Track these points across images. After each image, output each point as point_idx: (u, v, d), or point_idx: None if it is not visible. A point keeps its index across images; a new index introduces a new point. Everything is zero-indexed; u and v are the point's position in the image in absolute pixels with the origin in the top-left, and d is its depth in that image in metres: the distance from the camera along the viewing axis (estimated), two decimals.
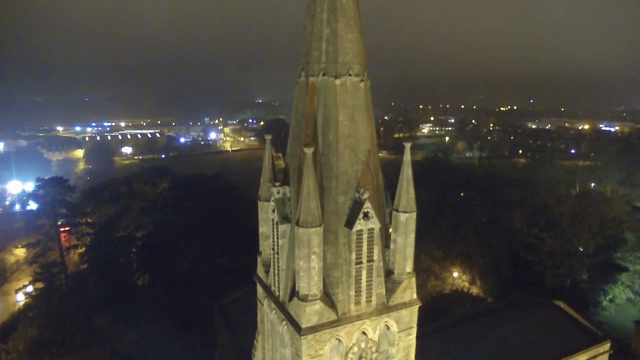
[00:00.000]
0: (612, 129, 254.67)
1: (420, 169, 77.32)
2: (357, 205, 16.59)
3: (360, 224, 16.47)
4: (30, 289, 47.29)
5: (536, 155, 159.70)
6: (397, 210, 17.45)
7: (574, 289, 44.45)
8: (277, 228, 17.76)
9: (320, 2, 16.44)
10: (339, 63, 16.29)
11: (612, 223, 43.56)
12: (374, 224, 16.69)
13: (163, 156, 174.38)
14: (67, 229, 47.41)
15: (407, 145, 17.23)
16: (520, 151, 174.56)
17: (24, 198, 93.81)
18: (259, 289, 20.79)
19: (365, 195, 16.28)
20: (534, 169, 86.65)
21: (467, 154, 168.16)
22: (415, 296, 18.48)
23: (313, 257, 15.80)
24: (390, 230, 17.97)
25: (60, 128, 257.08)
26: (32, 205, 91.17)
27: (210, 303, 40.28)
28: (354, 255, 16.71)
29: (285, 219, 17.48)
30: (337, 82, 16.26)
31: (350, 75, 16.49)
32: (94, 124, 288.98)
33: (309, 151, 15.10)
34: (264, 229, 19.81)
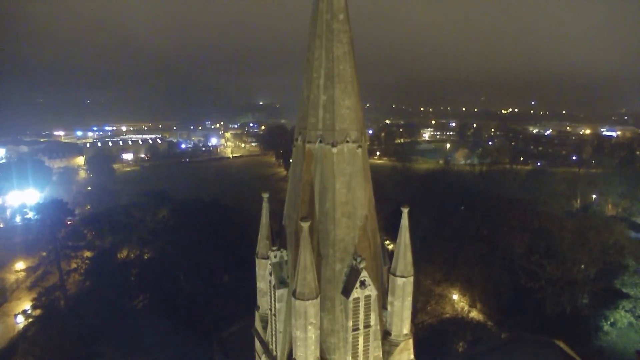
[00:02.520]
0: (614, 134, 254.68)
1: (420, 185, 77.26)
2: (354, 273, 16.48)
3: (357, 292, 16.38)
4: (29, 310, 47.26)
5: (537, 162, 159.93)
6: (394, 275, 17.35)
7: (575, 314, 44.24)
8: (275, 291, 17.67)
9: (317, 68, 16.31)
10: (336, 131, 16.17)
11: (613, 249, 43.35)
12: (371, 291, 16.59)
13: (164, 162, 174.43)
14: (67, 252, 47.43)
15: (405, 210, 17.12)
16: (522, 158, 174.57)
17: (24, 210, 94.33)
18: (257, 343, 20.67)
19: (362, 265, 16.17)
20: (535, 182, 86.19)
21: (469, 161, 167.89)
22: (412, 356, 18.39)
23: (310, 327, 15.71)
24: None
25: (61, 133, 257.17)
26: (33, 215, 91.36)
27: (210, 326, 40.20)
28: (350, 323, 16.61)
29: (282, 283, 17.43)
30: (334, 150, 16.14)
31: (347, 142, 16.37)
32: (95, 129, 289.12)
33: (305, 225, 14.99)
34: (261, 285, 19.70)
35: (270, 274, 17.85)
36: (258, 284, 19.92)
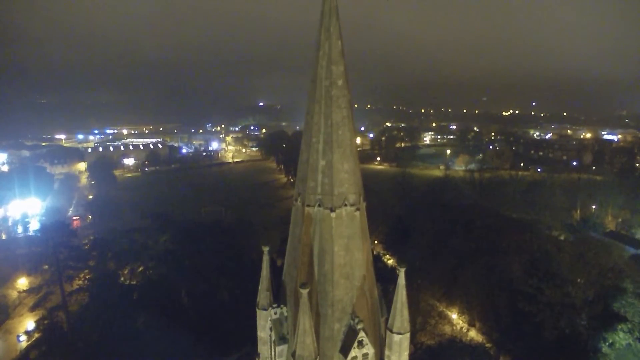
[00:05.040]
0: (615, 138, 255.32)
1: (420, 198, 77.64)
2: (351, 332, 16.88)
3: (354, 352, 16.78)
4: (32, 331, 47.67)
5: (538, 168, 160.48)
6: (391, 331, 17.71)
7: (574, 336, 44.51)
8: (275, 347, 18.07)
9: (316, 133, 16.70)
10: (334, 195, 16.54)
11: (611, 273, 43.67)
12: (368, 349, 17.00)
13: (165, 168, 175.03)
14: (69, 273, 47.96)
15: (402, 269, 17.46)
16: (522, 164, 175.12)
17: (26, 220, 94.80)
18: None
19: (360, 326, 16.59)
20: (535, 195, 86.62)
21: (470, 166, 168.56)
22: None
23: None
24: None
25: (62, 136, 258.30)
26: (35, 226, 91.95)
27: (212, 350, 40.59)
28: None
29: (282, 339, 17.83)
30: (333, 214, 16.52)
31: (346, 205, 16.75)
32: (96, 132, 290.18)
33: (305, 291, 15.39)
34: (262, 334, 20.03)
35: (271, 329, 18.26)
36: (259, 333, 20.26)
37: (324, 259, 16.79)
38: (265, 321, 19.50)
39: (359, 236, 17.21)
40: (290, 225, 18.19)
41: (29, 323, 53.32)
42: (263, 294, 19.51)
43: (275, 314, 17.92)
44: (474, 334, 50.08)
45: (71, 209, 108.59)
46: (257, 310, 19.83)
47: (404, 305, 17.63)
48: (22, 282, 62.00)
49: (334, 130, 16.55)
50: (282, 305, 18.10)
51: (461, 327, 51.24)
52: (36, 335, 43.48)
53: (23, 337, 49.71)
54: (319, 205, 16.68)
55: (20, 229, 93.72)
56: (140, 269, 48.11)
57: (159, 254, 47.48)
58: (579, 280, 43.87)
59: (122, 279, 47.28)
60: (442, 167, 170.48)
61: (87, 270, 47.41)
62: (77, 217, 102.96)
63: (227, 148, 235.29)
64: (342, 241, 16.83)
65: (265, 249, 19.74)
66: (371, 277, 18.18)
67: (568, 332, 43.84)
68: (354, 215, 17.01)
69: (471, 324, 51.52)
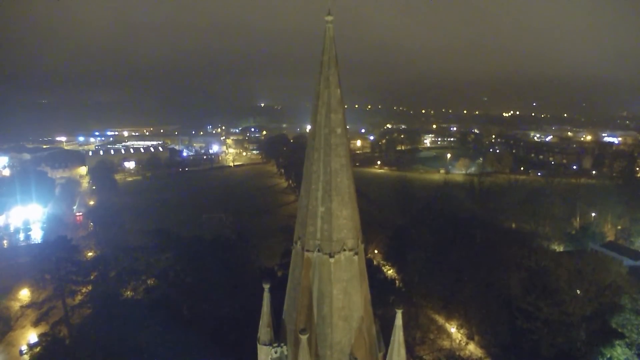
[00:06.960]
0: (615, 140, 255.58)
1: (421, 208, 77.99)
2: None
3: None
4: (34, 345, 48.06)
5: (538, 172, 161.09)
6: None
7: (572, 351, 44.91)
8: None
9: (315, 180, 17.10)
10: (333, 241, 16.95)
11: (609, 290, 44.04)
12: None
13: (166, 172, 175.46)
14: (72, 288, 48.44)
15: (399, 311, 17.85)
16: (522, 167, 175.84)
17: (28, 227, 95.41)
18: None
19: None
20: (534, 202, 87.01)
21: (470, 170, 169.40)
22: None
23: None
24: None
25: (63, 139, 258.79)
26: (37, 233, 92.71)
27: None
28: None
29: None
30: (332, 260, 16.94)
31: (344, 250, 17.16)
32: (97, 133, 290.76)
33: (304, 337, 15.83)
34: None
35: None
36: None
37: (323, 302, 17.21)
38: (266, 356, 19.88)
39: (357, 279, 17.63)
40: (290, 267, 18.61)
41: (32, 336, 53.78)
42: (264, 330, 19.90)
43: (276, 352, 18.31)
44: (472, 348, 50.43)
45: (72, 216, 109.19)
46: (257, 345, 20.29)
47: (400, 345, 18.03)
48: (25, 294, 62.34)
49: (332, 178, 16.95)
50: (282, 345, 18.48)
51: (460, 341, 51.55)
52: (38, 349, 43.88)
53: (26, 350, 50.07)
54: (318, 251, 17.09)
55: (22, 236, 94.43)
56: (142, 286, 48.65)
57: (161, 272, 48.02)
58: (578, 292, 44.28)
59: (124, 289, 47.75)
60: (442, 170, 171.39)
61: (89, 286, 47.86)
62: (80, 213, 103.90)
63: (228, 151, 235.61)
64: (341, 285, 17.25)
65: (266, 286, 19.98)
66: (369, 317, 18.59)
67: (566, 348, 44.23)
68: (353, 259, 17.42)
69: (470, 337, 51.84)
